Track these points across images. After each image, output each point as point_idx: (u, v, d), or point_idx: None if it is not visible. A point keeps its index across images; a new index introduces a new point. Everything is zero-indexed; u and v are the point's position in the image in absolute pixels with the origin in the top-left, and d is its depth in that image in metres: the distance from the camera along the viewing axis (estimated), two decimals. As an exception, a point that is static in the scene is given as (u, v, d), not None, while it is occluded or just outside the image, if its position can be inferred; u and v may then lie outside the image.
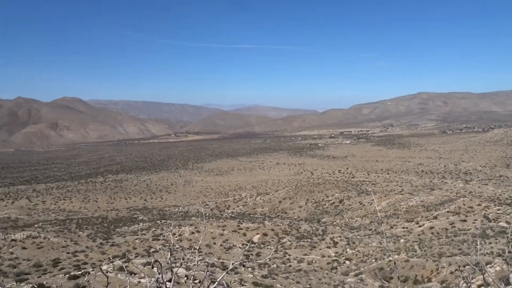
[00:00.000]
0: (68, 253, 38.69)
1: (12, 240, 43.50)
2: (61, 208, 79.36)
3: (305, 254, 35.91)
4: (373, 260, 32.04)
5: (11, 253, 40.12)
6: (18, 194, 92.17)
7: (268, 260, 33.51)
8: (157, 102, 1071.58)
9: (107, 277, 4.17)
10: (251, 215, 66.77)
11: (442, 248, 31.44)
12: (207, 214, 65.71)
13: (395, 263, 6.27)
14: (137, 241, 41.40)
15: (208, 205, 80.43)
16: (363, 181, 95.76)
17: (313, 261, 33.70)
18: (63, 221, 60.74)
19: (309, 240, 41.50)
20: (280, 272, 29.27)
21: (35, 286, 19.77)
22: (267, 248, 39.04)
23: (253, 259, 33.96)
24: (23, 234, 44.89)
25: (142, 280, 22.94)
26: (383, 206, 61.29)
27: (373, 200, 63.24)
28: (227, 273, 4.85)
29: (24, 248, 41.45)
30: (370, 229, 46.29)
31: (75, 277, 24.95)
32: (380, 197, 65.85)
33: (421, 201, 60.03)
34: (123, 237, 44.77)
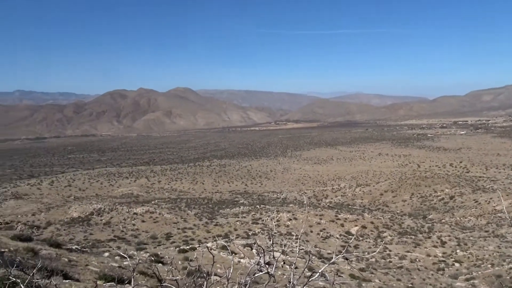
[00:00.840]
0: (179, 228, 42.82)
1: (134, 213, 49.83)
2: (173, 188, 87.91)
3: (408, 251, 33.77)
4: (489, 265, 28.63)
5: (133, 224, 46.09)
6: (139, 174, 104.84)
7: (366, 253, 32.44)
8: (259, 91, 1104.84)
9: (213, 255, 4.54)
10: (350, 206, 65.08)
11: None
12: (305, 202, 66.06)
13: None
14: (238, 223, 43.75)
15: (305, 193, 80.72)
16: (480, 176, 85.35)
17: (417, 260, 31.52)
18: (175, 200, 67.36)
19: (412, 236, 38.88)
20: (379, 267, 28.12)
21: (152, 255, 22.30)
22: (366, 241, 37.74)
23: (351, 251, 33.22)
24: (143, 209, 51.09)
25: (242, 260, 24.28)
26: (505, 206, 53.96)
27: (492, 198, 56.16)
28: (328, 265, 4.85)
29: (143, 221, 47.20)
30: (487, 231, 41.29)
31: (184, 251, 27.54)
32: (502, 196, 58.06)
33: (556, 203, 51.27)
34: (225, 218, 47.76)
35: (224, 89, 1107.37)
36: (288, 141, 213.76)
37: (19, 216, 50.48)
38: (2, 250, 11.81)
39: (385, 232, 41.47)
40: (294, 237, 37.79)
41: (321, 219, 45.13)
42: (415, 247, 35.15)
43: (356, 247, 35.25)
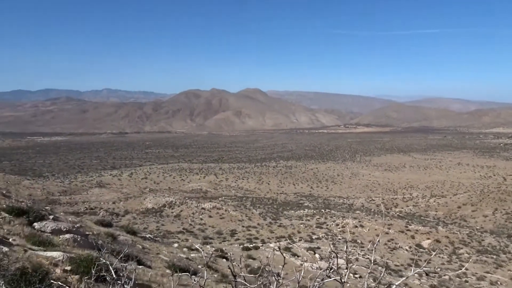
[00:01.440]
0: (243, 226, 43.79)
1: (202, 208, 51.99)
2: (239, 186, 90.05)
3: (487, 272, 30.82)
4: None
5: (201, 219, 48.14)
6: (208, 171, 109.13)
7: (438, 269, 30.27)
8: (328, 93, 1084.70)
9: (284, 257, 4.64)
10: (422, 218, 61.14)
11: None
12: (372, 210, 63.49)
13: None
14: (301, 225, 43.50)
15: (374, 200, 77.54)
16: None
17: (498, 282, 28.65)
18: (241, 198, 68.98)
19: (494, 256, 35.39)
20: (453, 286, 26.06)
21: (217, 250, 23.10)
22: (439, 257, 35.19)
23: (421, 265, 31.22)
24: (210, 205, 53.12)
25: (304, 264, 24.11)
26: None
27: None
28: (405, 279, 4.66)
29: (210, 216, 49.07)
30: None
31: (248, 248, 28.11)
32: None
33: None
34: (289, 220, 47.76)
35: (293, 90, 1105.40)
36: (357, 145, 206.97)
37: (102, 203, 55.50)
38: (87, 233, 13.13)
39: (461, 248, 38.31)
40: (359, 245, 36.59)
41: (389, 228, 43.08)
42: (497, 268, 31.98)
43: (427, 261, 33.05)
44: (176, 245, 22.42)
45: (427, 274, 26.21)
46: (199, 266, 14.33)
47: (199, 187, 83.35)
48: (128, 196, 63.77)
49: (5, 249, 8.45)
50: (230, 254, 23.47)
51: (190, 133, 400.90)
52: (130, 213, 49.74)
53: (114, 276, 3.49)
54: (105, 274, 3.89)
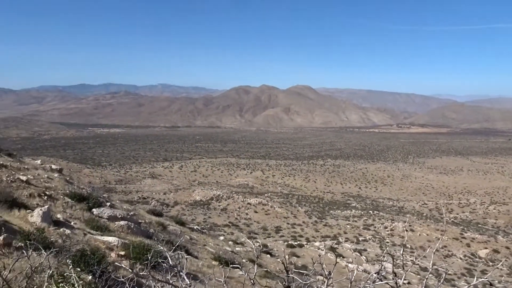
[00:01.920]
0: (288, 223, 43.78)
1: (248, 203, 52.67)
2: (286, 183, 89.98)
3: (554, 289, 28.26)
4: None
5: (247, 214, 48.81)
6: (255, 166, 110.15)
7: (496, 282, 28.26)
8: (382, 91, 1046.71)
9: (336, 255, 4.62)
10: (479, 225, 57.30)
11: None
12: (424, 214, 60.57)
13: None
14: (348, 226, 42.62)
15: (426, 204, 73.94)
16: None
17: None
18: (287, 195, 68.93)
19: (562, 272, 32.37)
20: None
21: (261, 246, 23.32)
22: (497, 268, 32.82)
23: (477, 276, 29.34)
24: (256, 200, 53.66)
25: (349, 265, 23.64)
26: None
27: None
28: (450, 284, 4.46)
29: (255, 212, 49.59)
30: None
31: (292, 246, 28.08)
32: None
33: None
34: (335, 219, 46.97)
35: (344, 88, 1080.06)
36: (410, 146, 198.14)
37: (153, 193, 58.17)
38: (140, 221, 13.86)
39: (523, 261, 35.43)
40: (409, 250, 35.17)
41: (442, 234, 40.89)
42: None
43: (483, 272, 31.01)
44: (222, 238, 22.96)
45: (491, 285, 24.62)
46: (244, 260, 14.58)
47: (245, 182, 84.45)
48: (178, 187, 66.21)
49: (68, 231, 9.18)
50: (275, 250, 23.61)
51: (238, 128, 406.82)
52: (179, 204, 51.65)
53: (170, 263, 3.68)
54: (162, 261, 4.11)
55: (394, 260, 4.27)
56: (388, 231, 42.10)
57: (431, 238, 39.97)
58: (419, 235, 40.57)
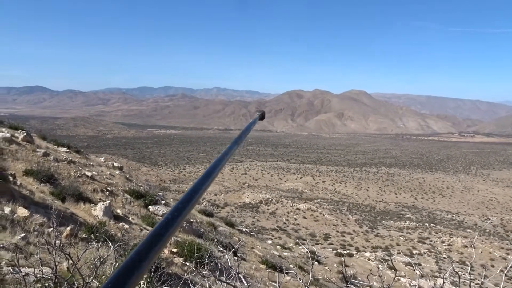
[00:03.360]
0: (337, 231, 42.88)
1: (297, 208, 52.36)
2: (336, 190, 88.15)
3: None
4: None
5: (295, 219, 48.54)
6: (305, 171, 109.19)
7: None
8: (443, 97, 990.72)
9: (396, 270, 4.56)
10: (553, 247, 52.06)
11: None
12: (487, 230, 56.24)
13: None
14: (401, 238, 40.84)
15: (490, 220, 68.58)
16: None
17: None
18: (337, 202, 67.51)
19: None
20: None
21: (309, 252, 23.10)
22: None
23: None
24: (305, 206, 53.18)
25: (401, 279, 22.67)
26: None
27: None
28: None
29: (304, 217, 49.17)
30: None
31: (341, 255, 27.48)
32: None
33: None
34: (387, 230, 45.19)
35: (402, 93, 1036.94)
36: (474, 157, 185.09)
37: (205, 194, 59.79)
38: (192, 220, 14.40)
39: None
40: (468, 268, 32.90)
41: (507, 253, 37.75)
42: None
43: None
44: (270, 241, 23.08)
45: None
46: (291, 266, 14.56)
47: (295, 187, 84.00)
48: (228, 189, 67.52)
49: (126, 226, 9.82)
50: (322, 257, 23.29)
51: (290, 133, 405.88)
52: (229, 206, 52.64)
53: (230, 264, 3.85)
54: (217, 261, 4.31)
55: (445, 275, 4.09)
56: (445, 245, 39.71)
57: (494, 256, 37.09)
58: (481, 252, 37.79)
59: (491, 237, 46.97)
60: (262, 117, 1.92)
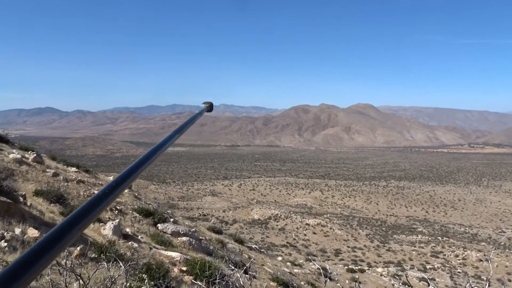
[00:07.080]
0: (348, 247, 42.25)
1: (306, 224, 51.82)
2: (346, 205, 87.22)
3: None
4: None
5: (305, 234, 47.97)
6: (314, 186, 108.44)
7: None
8: (451, 108, 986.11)
9: (410, 286, 4.48)
10: None
11: None
12: (502, 243, 54.96)
13: None
14: (413, 252, 40.08)
15: (505, 232, 67.08)
16: None
17: None
18: (347, 217, 66.70)
19: None
20: None
21: (320, 269, 22.73)
22: None
23: None
24: (315, 221, 52.63)
25: (415, 295, 22.19)
26: None
27: None
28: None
29: (314, 233, 48.59)
30: None
31: (352, 271, 26.99)
32: None
33: None
34: (399, 244, 44.42)
35: (409, 105, 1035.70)
36: (484, 168, 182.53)
37: (213, 210, 59.59)
38: (201, 237, 14.31)
39: None
40: (484, 282, 32.07)
41: (525, 268, 36.76)
42: None
43: None
44: (280, 258, 22.79)
45: None
46: (302, 283, 14.33)
47: (304, 202, 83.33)
48: (236, 206, 67.20)
49: (135, 245, 9.79)
50: (334, 274, 22.89)
51: (297, 148, 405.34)
52: (237, 222, 52.30)
53: (241, 283, 3.81)
54: (228, 279, 4.27)
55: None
56: (459, 260, 38.83)
57: (511, 270, 36.14)
58: (497, 266, 36.84)
59: (507, 250, 45.85)
60: (210, 108, 1.95)
